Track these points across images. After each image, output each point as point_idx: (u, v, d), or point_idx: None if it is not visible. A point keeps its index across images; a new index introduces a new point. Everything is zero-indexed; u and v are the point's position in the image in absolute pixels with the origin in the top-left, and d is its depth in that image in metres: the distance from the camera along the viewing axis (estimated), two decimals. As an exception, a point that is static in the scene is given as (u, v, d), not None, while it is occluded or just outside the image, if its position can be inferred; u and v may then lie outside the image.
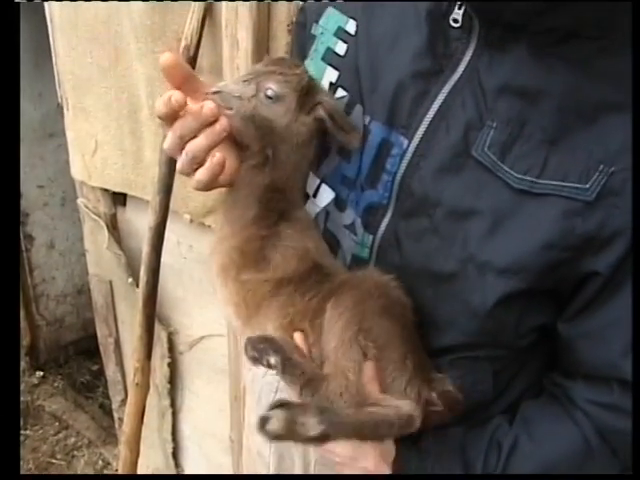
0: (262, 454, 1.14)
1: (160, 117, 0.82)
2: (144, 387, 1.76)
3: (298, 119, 0.86)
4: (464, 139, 0.81)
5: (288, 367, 0.82)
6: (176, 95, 0.80)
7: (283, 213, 0.90)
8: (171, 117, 0.82)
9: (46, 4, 1.95)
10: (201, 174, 0.83)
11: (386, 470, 0.87)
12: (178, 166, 0.85)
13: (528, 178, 0.78)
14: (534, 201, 0.78)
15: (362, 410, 0.82)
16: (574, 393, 0.87)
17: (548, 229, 0.78)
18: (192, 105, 0.82)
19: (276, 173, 0.88)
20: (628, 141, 0.75)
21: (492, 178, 0.80)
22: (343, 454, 0.84)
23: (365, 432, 0.82)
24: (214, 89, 0.84)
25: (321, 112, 0.86)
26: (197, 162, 0.83)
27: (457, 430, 0.91)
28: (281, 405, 0.79)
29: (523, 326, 0.86)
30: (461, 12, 0.81)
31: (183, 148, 0.83)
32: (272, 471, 1.11)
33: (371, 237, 0.90)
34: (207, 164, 0.83)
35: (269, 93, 0.84)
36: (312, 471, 1.03)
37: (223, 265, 0.91)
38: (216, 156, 0.83)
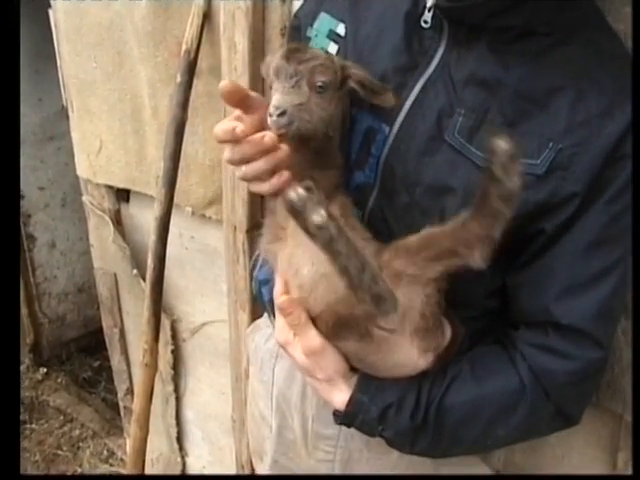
0: (265, 416, 1.25)
1: (219, 141, 0.88)
2: (152, 367, 1.87)
3: (338, 95, 0.92)
4: (437, 125, 0.93)
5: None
6: (241, 127, 0.85)
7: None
8: (231, 143, 0.88)
9: (51, 12, 2.06)
10: (264, 188, 0.91)
11: (347, 371, 0.95)
12: (239, 174, 0.91)
13: None
14: None
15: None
16: (516, 339, 0.96)
17: None
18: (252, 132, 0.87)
19: (333, 144, 0.95)
20: (573, 120, 0.86)
21: (463, 159, 0.91)
22: (301, 359, 0.94)
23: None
24: (277, 111, 0.85)
25: (353, 84, 0.92)
26: (259, 180, 0.91)
27: None
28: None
29: (490, 287, 0.97)
30: (430, 15, 0.93)
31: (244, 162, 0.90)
32: (274, 430, 1.22)
33: (361, 213, 1.02)
34: (273, 180, 0.89)
35: (319, 85, 0.88)
36: (310, 427, 1.14)
37: None
38: (284, 175, 0.89)
